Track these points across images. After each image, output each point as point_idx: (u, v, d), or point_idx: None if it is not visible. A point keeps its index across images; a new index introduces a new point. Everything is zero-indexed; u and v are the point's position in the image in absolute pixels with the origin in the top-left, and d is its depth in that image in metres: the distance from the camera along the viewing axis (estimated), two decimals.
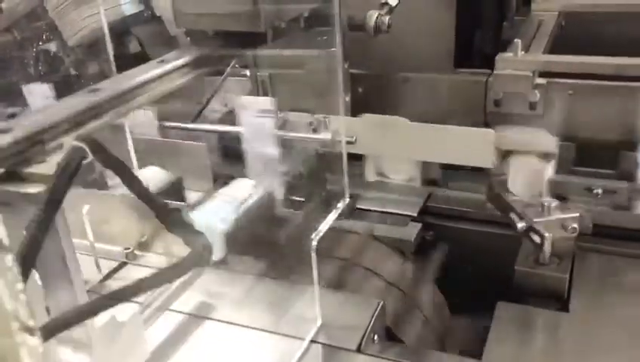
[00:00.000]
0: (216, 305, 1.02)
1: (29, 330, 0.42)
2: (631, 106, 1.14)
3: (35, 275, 0.69)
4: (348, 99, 1.35)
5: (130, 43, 1.69)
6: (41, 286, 0.71)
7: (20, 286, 0.42)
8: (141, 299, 1.04)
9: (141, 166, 1.28)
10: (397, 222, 1.30)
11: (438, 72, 1.37)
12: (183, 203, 1.24)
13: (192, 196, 1.30)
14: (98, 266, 1.12)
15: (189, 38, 1.45)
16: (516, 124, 1.23)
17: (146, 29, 1.70)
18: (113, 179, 1.25)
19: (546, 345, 0.94)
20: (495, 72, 1.19)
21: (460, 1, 1.36)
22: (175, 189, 1.28)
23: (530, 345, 0.94)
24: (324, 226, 0.94)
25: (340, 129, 1.16)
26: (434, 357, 0.98)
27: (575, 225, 1.02)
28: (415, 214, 1.31)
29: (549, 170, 1.17)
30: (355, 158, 1.38)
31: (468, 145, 1.21)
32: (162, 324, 1.00)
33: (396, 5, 1.27)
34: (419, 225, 1.29)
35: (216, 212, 1.04)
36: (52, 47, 1.66)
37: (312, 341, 0.93)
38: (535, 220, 1.04)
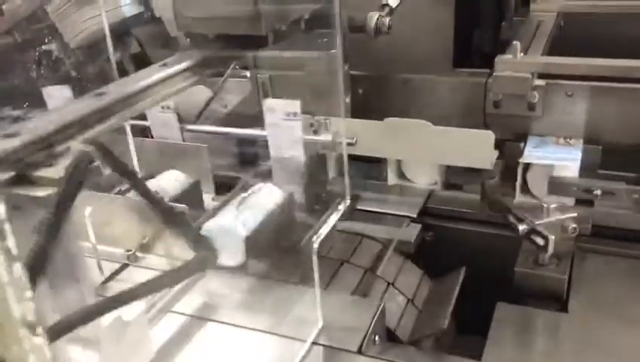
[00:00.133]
0: (219, 307, 1.03)
1: (37, 335, 0.43)
2: (632, 108, 1.15)
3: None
4: (348, 100, 1.35)
5: (131, 44, 1.70)
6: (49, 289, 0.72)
7: (28, 294, 0.43)
8: (145, 300, 1.05)
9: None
10: (396, 223, 1.31)
11: (438, 73, 1.37)
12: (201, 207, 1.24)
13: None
14: (100, 268, 1.13)
15: (189, 40, 1.45)
16: (516, 124, 1.23)
17: (145, 30, 1.70)
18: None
19: (546, 345, 0.95)
20: (494, 73, 1.19)
21: (458, 1, 1.36)
22: (194, 193, 1.30)
23: (529, 345, 0.95)
24: (325, 229, 0.94)
25: (341, 130, 1.17)
26: (434, 358, 0.98)
27: (575, 226, 1.03)
28: (415, 215, 1.32)
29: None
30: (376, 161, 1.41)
31: (468, 146, 1.22)
32: (166, 326, 1.00)
33: (397, 6, 1.27)
34: (418, 227, 1.30)
35: (241, 218, 1.04)
36: (53, 48, 1.66)
37: (314, 342, 0.94)
38: (537, 222, 1.05)
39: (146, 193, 0.78)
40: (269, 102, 1.16)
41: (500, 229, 1.25)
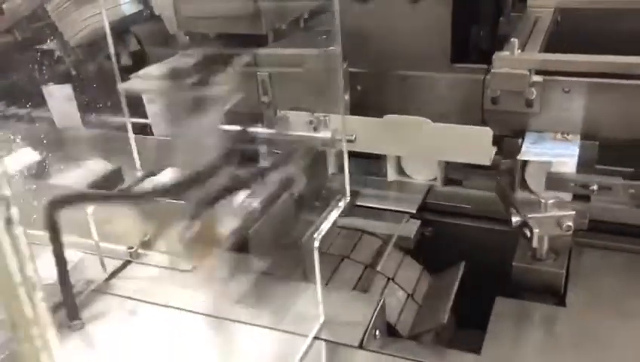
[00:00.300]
0: (221, 303, 1.04)
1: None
2: (629, 104, 1.16)
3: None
4: (347, 97, 1.36)
5: (130, 42, 1.70)
6: None
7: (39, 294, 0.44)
8: (148, 298, 1.07)
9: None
10: (396, 218, 1.33)
11: (436, 69, 1.38)
12: None
13: None
14: (103, 265, 1.14)
15: (188, 37, 1.46)
16: (514, 121, 1.25)
17: (145, 27, 1.71)
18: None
19: (544, 339, 0.96)
20: (492, 70, 1.20)
21: None
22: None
23: (527, 339, 0.96)
24: (326, 225, 0.95)
25: (340, 127, 1.18)
26: (434, 352, 0.99)
27: (570, 223, 1.04)
28: (414, 211, 1.34)
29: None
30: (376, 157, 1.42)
31: (466, 143, 1.23)
32: (168, 322, 1.02)
33: None
34: (418, 222, 1.31)
35: None
36: (53, 47, 1.67)
37: (316, 337, 0.95)
38: (529, 216, 1.06)
39: None
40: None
41: (498, 224, 1.26)
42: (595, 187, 1.16)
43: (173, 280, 1.12)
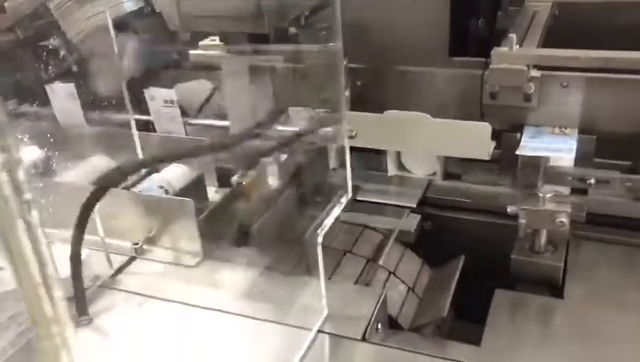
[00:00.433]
0: (226, 298, 1.06)
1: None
2: (626, 98, 1.17)
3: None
4: (347, 93, 1.37)
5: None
6: None
7: (59, 293, 0.46)
8: (154, 293, 1.08)
9: None
10: (396, 213, 1.34)
11: (434, 62, 1.39)
12: None
13: None
14: (109, 261, 1.15)
15: (188, 34, 1.47)
16: (512, 115, 1.26)
17: (145, 24, 1.71)
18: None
19: (542, 331, 0.98)
20: (491, 66, 1.21)
21: None
22: (198, 186, 1.33)
23: (526, 331, 0.98)
24: (329, 221, 0.97)
25: (343, 124, 1.19)
26: (434, 344, 1.01)
27: (563, 220, 1.06)
28: (414, 205, 1.35)
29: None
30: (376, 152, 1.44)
31: (465, 138, 1.25)
32: (171, 317, 1.03)
33: None
34: (418, 216, 1.33)
35: None
36: (56, 45, 1.68)
37: (319, 331, 0.97)
38: (522, 207, 1.08)
39: None
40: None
41: (497, 218, 1.28)
42: (592, 180, 1.18)
43: (178, 275, 1.14)
